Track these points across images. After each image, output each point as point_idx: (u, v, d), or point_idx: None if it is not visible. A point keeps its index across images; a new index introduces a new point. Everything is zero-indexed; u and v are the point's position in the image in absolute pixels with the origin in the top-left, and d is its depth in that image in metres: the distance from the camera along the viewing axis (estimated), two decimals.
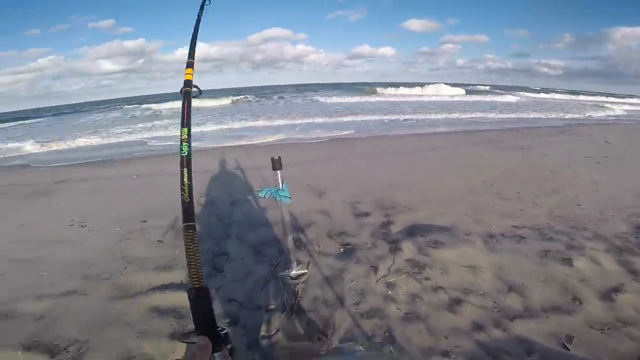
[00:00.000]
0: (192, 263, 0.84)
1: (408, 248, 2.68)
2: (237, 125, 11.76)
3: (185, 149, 1.00)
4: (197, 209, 3.62)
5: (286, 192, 1.96)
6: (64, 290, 2.37)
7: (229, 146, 7.69)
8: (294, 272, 2.38)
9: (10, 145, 10.09)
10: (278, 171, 1.96)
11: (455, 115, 13.25)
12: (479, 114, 13.92)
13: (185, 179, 0.94)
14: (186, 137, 1.02)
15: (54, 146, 9.66)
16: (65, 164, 7.53)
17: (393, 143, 7.70)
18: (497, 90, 36.17)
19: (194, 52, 1.30)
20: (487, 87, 41.98)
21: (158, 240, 3.05)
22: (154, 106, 21.93)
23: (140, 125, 13.28)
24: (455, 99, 23.16)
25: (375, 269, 2.43)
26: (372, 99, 22.90)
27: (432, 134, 9.06)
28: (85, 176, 5.79)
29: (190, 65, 1.25)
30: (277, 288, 2.28)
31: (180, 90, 1.14)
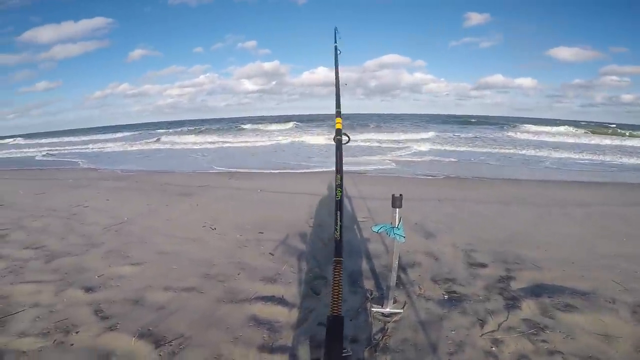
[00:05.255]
0: (336, 293, 0.94)
1: (529, 307, 2.32)
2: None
3: (339, 194, 1.09)
4: (305, 229, 3.87)
5: (402, 230, 1.90)
6: (186, 285, 2.67)
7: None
8: (387, 310, 2.28)
9: None
10: (397, 209, 1.92)
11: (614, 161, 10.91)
12: None
13: (339, 220, 1.03)
14: (339, 182, 1.10)
15: None
16: (204, 171, 9.04)
17: (524, 189, 6.42)
18: None
19: (340, 102, 1.34)
20: None
21: (270, 253, 3.29)
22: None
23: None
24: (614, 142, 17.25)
25: (482, 322, 2.16)
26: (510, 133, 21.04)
27: (578, 183, 7.25)
28: (221, 185, 6.80)
29: (339, 114, 1.31)
30: (366, 322, 2.21)
31: (334, 139, 1.24)
